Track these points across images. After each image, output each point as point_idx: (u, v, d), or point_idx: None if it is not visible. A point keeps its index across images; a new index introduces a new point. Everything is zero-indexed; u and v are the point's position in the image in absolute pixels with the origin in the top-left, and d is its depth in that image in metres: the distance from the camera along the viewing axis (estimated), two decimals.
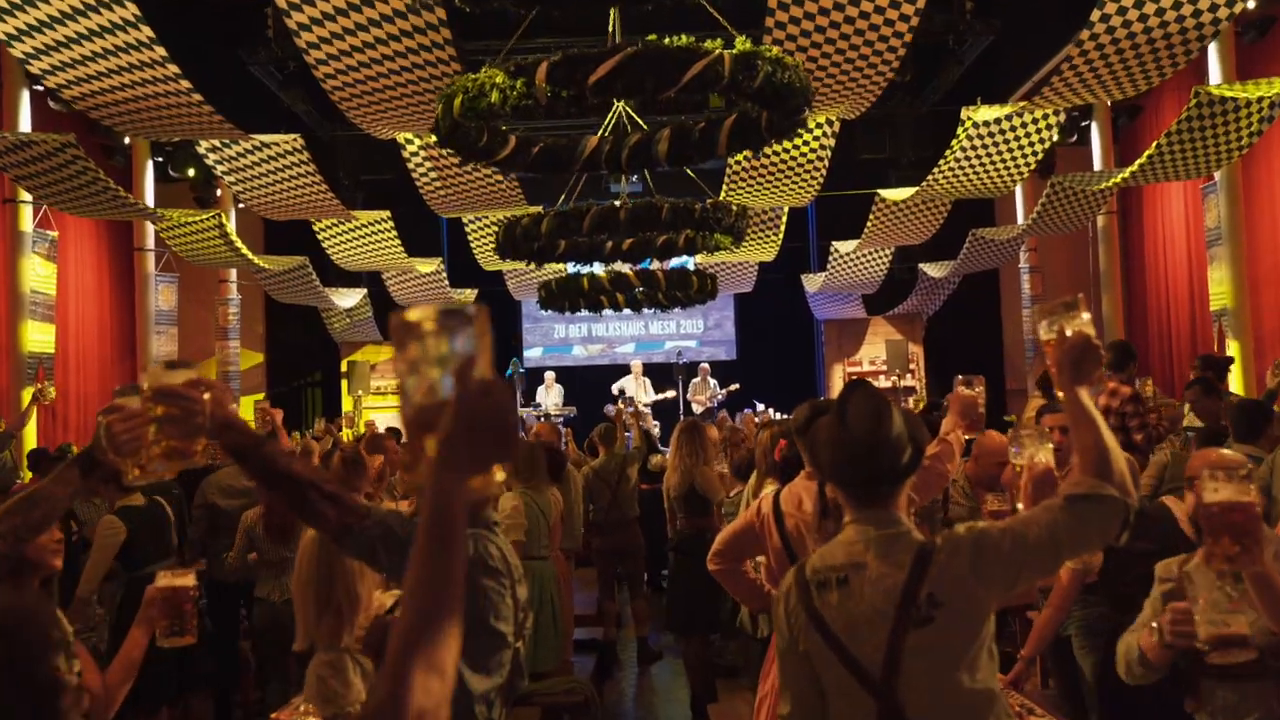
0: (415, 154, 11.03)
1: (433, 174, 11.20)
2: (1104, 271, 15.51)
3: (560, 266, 13.40)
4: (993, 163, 10.97)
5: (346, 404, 18.59)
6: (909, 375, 18.36)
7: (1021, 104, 10.40)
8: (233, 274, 16.92)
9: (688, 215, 8.96)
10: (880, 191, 13.12)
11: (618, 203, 9.01)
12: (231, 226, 16.34)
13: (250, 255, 13.17)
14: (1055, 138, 11.02)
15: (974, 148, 10.75)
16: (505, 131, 6.83)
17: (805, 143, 10.89)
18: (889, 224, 13.52)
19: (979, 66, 14.83)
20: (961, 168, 11.15)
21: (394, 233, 13.57)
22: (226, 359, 16.85)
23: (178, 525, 6.71)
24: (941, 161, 11.32)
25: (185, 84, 8.99)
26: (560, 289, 12.02)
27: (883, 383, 19.04)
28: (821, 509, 2.91)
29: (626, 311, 21.30)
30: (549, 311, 19.86)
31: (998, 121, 10.32)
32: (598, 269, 12.52)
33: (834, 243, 15.53)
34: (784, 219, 14.31)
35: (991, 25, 14.18)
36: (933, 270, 17.03)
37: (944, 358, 19.06)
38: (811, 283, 17.78)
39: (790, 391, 18.86)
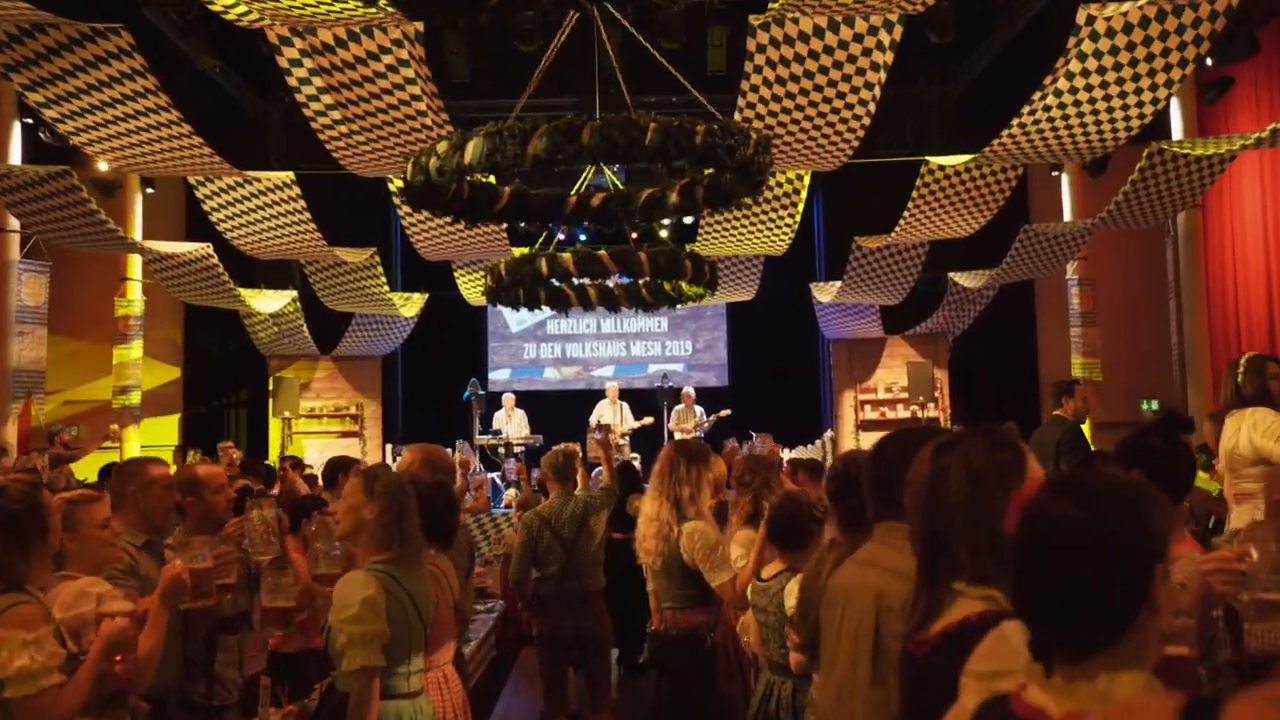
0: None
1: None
2: (1185, 280, 12.33)
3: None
4: (1106, 97, 7.72)
5: (274, 428, 15.30)
6: (933, 404, 15.14)
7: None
8: (136, 268, 13.64)
9: (684, 141, 5.75)
10: (930, 159, 9.93)
11: (581, 118, 5.76)
12: (142, 208, 13.25)
13: (119, 232, 9.90)
14: (1208, 48, 7.64)
15: (1086, 73, 7.51)
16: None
17: (849, 73, 7.69)
18: (935, 205, 10.32)
19: (1032, 33, 11.67)
20: (1064, 106, 7.86)
21: (300, 201, 10.29)
22: (124, 373, 13.53)
23: None
24: (1038, 95, 8.07)
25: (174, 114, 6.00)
26: (511, 275, 8.80)
27: (901, 412, 15.86)
28: None
29: (604, 325, 18.56)
30: (501, 309, 16.80)
31: (1127, 29, 7.10)
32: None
33: (858, 238, 12.33)
34: (804, 192, 10.98)
35: None
36: (965, 280, 13.91)
37: (973, 384, 15.88)
38: (823, 292, 14.59)
39: (791, 422, 15.78)
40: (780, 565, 4.11)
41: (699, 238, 11.81)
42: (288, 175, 10.01)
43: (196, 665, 4.33)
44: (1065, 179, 14.04)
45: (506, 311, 17.68)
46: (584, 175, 7.80)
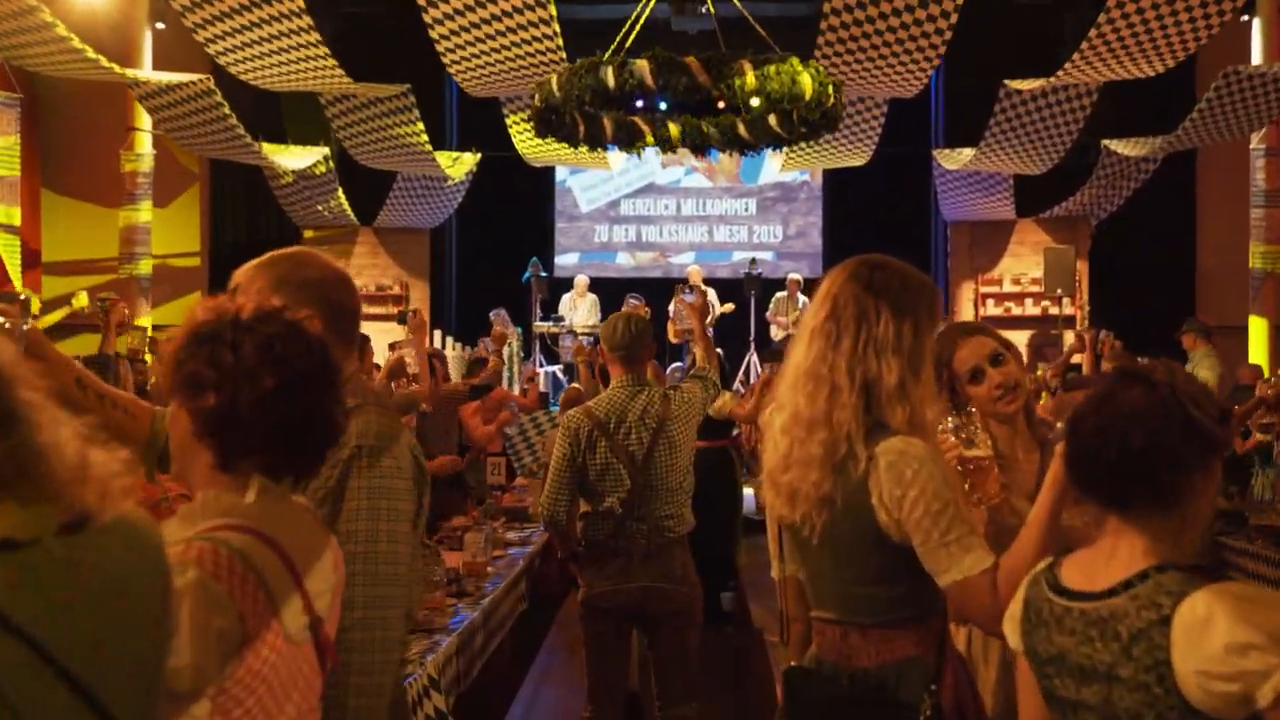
0: None
1: None
2: None
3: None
4: None
5: None
6: (1068, 300, 12.41)
7: None
8: (145, 117, 11.33)
9: None
10: None
11: None
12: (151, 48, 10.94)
13: (73, 41, 7.56)
14: None
15: None
16: None
17: None
18: (1124, 32, 7.49)
19: None
20: None
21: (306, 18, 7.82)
22: (132, 238, 11.32)
23: None
24: None
25: None
26: (566, 91, 6.38)
27: (1030, 308, 13.22)
28: None
29: (684, 206, 15.95)
30: (570, 187, 14.41)
31: None
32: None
33: (1007, 81, 9.55)
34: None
35: None
36: (1124, 148, 11.12)
37: (1118, 278, 13.09)
38: (951, 160, 11.82)
39: None
40: (1137, 549, 1.62)
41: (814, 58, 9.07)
42: None
43: None
44: (1257, 25, 11.09)
45: (576, 189, 15.32)
46: None
